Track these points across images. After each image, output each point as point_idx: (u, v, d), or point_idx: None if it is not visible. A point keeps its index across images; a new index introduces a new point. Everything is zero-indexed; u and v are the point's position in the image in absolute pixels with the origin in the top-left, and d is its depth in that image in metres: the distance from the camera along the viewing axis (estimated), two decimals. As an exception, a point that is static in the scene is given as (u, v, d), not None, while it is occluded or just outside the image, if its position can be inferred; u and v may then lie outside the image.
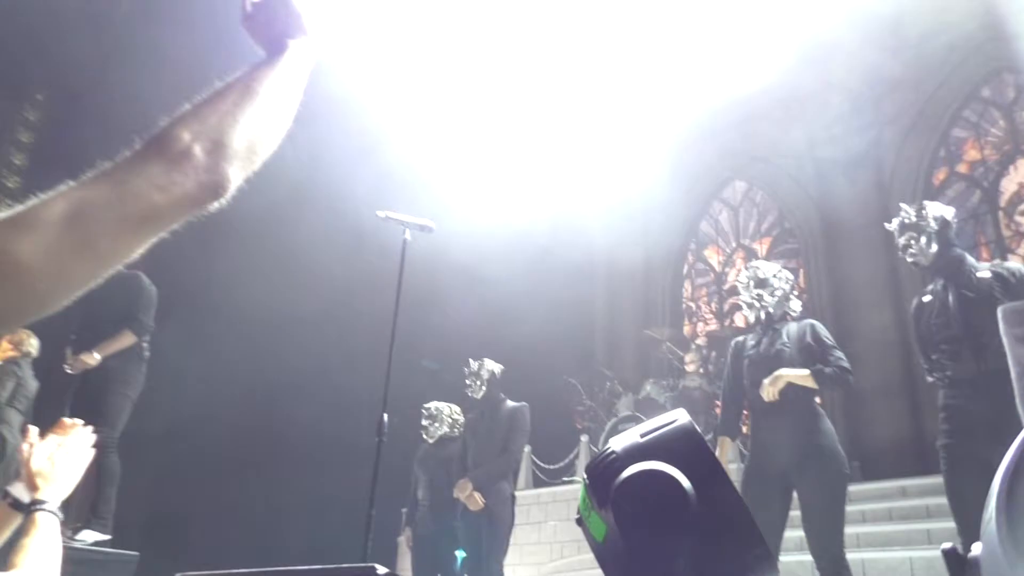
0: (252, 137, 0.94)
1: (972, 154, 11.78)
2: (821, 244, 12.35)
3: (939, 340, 3.51)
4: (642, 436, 1.10)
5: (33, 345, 5.61)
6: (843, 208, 12.05)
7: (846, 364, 3.68)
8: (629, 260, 14.69)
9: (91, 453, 1.68)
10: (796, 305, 4.01)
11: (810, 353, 3.71)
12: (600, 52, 12.06)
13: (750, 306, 4.00)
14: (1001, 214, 11.28)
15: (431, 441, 6.19)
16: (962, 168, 11.82)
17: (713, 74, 12.11)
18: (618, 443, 1.12)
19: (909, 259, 3.59)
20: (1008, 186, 11.33)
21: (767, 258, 13.15)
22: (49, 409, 5.22)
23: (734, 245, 14.29)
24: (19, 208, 0.76)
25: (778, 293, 3.92)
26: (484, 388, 5.44)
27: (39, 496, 1.53)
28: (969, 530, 3.32)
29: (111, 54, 11.71)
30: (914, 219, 3.58)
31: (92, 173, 0.83)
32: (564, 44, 11.64)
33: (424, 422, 6.23)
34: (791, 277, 4.06)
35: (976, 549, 0.73)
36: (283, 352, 10.65)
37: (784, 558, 4.67)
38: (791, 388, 3.64)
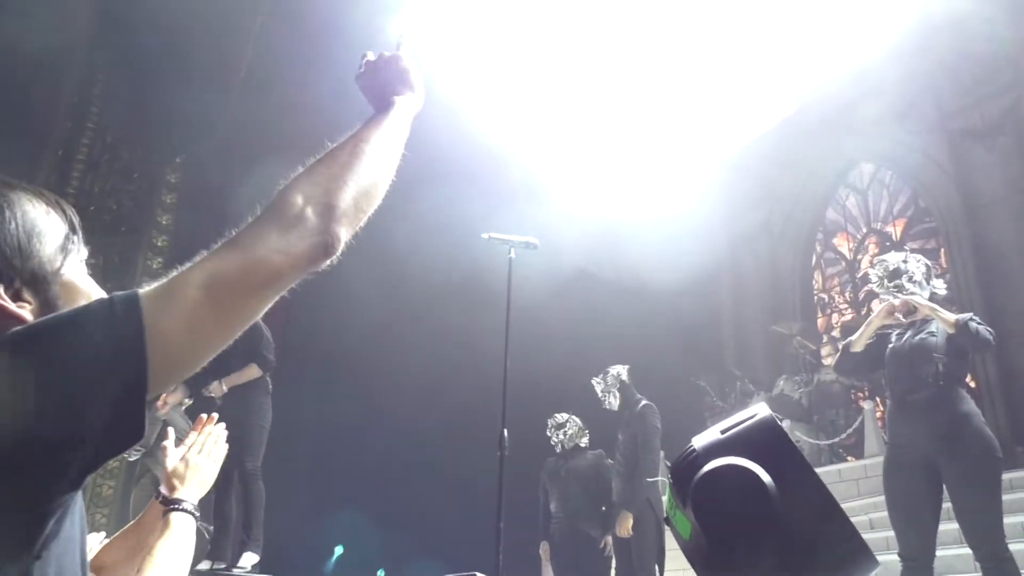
0: (360, 195, 1.02)
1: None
2: (962, 219, 11.53)
3: None
4: (722, 432, 1.09)
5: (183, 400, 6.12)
6: (982, 179, 11.24)
7: (992, 333, 3.45)
8: (753, 255, 14.26)
9: (223, 452, 1.79)
10: (940, 285, 3.78)
11: (956, 340, 3.49)
12: (711, 37, 11.77)
13: (898, 306, 3.81)
14: None
15: (557, 451, 6.23)
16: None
17: (828, 50, 11.62)
18: (699, 440, 1.12)
19: None
20: None
21: (902, 240, 12.43)
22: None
23: (865, 230, 13.58)
24: (162, 281, 0.87)
25: (916, 278, 3.71)
26: (617, 395, 5.45)
27: (176, 496, 1.65)
28: None
29: (238, 111, 12.53)
30: None
31: (221, 242, 0.92)
32: (667, 34, 11.46)
33: (550, 433, 6.27)
34: (922, 258, 3.84)
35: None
36: (399, 384, 10.99)
37: (941, 552, 4.39)
38: (932, 374, 3.45)
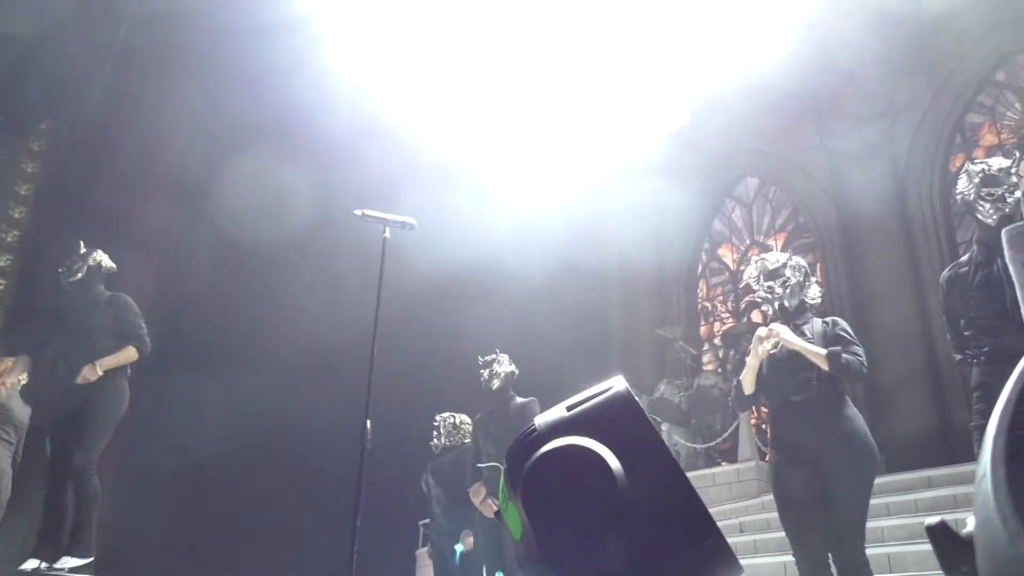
0: None
1: (989, 139, 11.48)
2: (838, 237, 12.08)
3: (978, 314, 3.31)
4: (568, 409, 0.91)
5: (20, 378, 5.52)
6: (858, 199, 11.78)
7: (863, 359, 3.48)
8: (642, 261, 14.48)
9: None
10: (814, 292, 3.78)
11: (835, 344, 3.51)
12: (605, 51, 11.91)
13: (765, 300, 3.80)
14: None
15: (436, 452, 6.09)
16: (979, 153, 11.50)
17: (720, 70, 11.94)
18: (542, 418, 0.93)
19: (990, 214, 3.34)
20: (1028, 170, 11.01)
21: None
22: (34, 432, 5.12)
23: (748, 242, 14.03)
24: None
25: (791, 283, 3.70)
26: (499, 383, 5.27)
27: None
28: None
29: (112, 85, 11.75)
30: (1002, 173, 3.40)
31: None
32: (565, 45, 11.52)
33: (434, 434, 6.14)
34: (803, 264, 3.84)
35: (970, 524, 0.55)
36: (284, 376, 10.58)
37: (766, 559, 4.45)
38: (815, 377, 3.45)
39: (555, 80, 12.08)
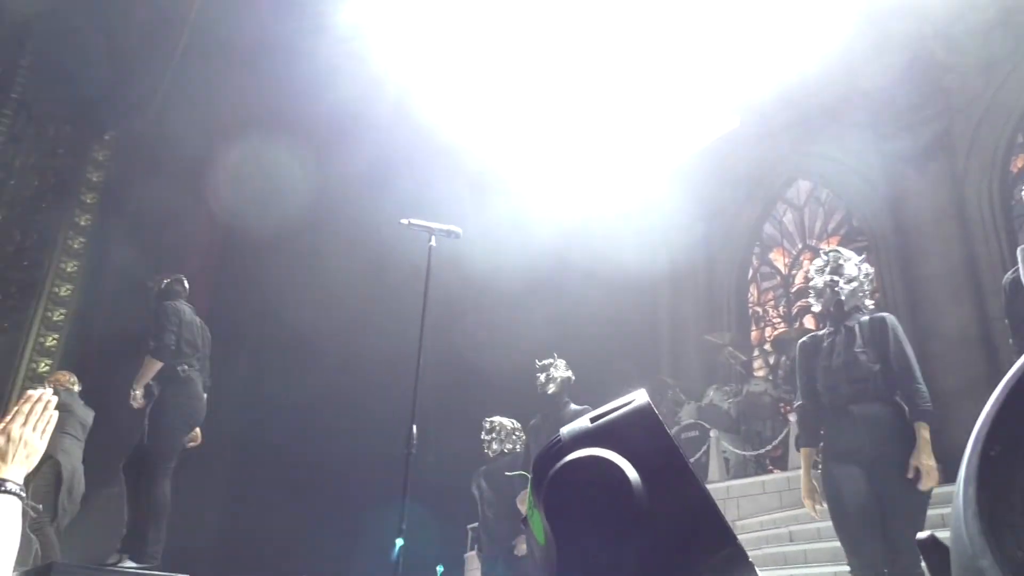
0: None
1: (1053, 136, 11.12)
2: (892, 240, 11.80)
3: None
4: (592, 420, 0.95)
5: (72, 380, 5.83)
6: (914, 201, 11.51)
7: (927, 398, 3.45)
8: (692, 267, 14.36)
9: (52, 423, 1.58)
10: (870, 303, 3.76)
11: (889, 365, 3.46)
12: (653, 54, 11.86)
13: (820, 293, 3.76)
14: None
15: (491, 456, 6.10)
16: (1043, 151, 11.17)
17: (770, 72, 11.79)
18: (567, 430, 0.98)
19: None
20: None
21: (835, 258, 12.64)
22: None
23: (800, 246, 13.81)
24: None
25: (854, 283, 3.67)
26: (554, 388, 5.25)
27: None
28: None
29: (170, 93, 12.13)
30: None
31: None
32: (612, 49, 11.50)
33: (484, 437, 6.14)
34: (871, 271, 3.80)
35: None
36: (316, 371, 10.76)
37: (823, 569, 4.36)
38: (871, 386, 3.42)
39: (602, 84, 12.07)
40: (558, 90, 11.92)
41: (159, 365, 4.58)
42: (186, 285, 5.08)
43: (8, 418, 1.52)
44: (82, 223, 12.60)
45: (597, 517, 0.80)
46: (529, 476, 0.96)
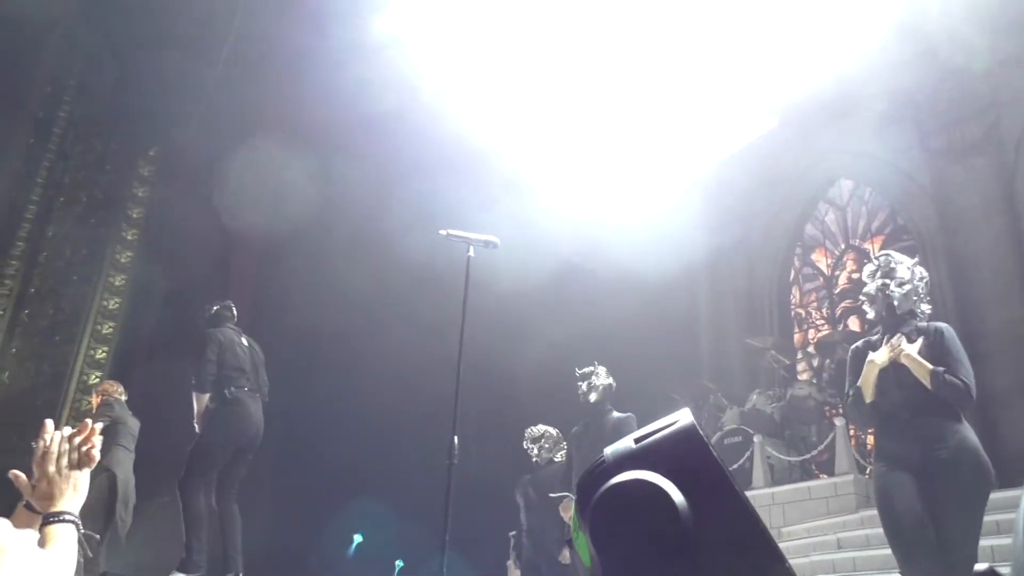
0: None
1: (1105, 128, 10.77)
2: (939, 239, 11.52)
3: None
4: (636, 441, 0.95)
5: (119, 390, 5.97)
6: (962, 199, 11.24)
7: (972, 383, 3.33)
8: (731, 269, 14.20)
9: (95, 453, 1.60)
10: (926, 308, 3.66)
11: (938, 362, 3.38)
12: (692, 54, 11.77)
13: (872, 299, 3.68)
14: None
15: (540, 464, 6.10)
16: (1095, 144, 10.82)
17: (809, 69, 11.62)
18: (612, 450, 0.97)
19: None
20: None
21: (880, 258, 12.41)
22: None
23: (843, 246, 13.57)
24: None
25: (907, 287, 3.59)
26: (596, 396, 5.22)
27: (56, 508, 1.48)
28: None
29: (211, 106, 12.39)
30: None
31: None
32: (649, 48, 11.45)
33: (528, 445, 6.15)
34: (926, 275, 3.71)
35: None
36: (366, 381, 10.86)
37: None
38: (924, 390, 3.33)
39: (637, 85, 12.01)
40: (592, 92, 11.90)
41: (206, 397, 4.83)
42: (234, 311, 5.34)
43: (42, 458, 1.54)
44: (129, 237, 12.91)
45: (643, 541, 0.79)
46: (573, 495, 0.96)
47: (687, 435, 0.93)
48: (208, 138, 12.48)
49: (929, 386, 3.27)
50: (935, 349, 3.44)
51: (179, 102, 12.61)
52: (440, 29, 11.02)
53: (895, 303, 3.57)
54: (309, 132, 11.57)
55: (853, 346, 3.78)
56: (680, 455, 0.90)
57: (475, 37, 11.06)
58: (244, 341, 5.18)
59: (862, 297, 3.79)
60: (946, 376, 3.25)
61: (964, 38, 10.87)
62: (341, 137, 11.36)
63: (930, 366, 3.27)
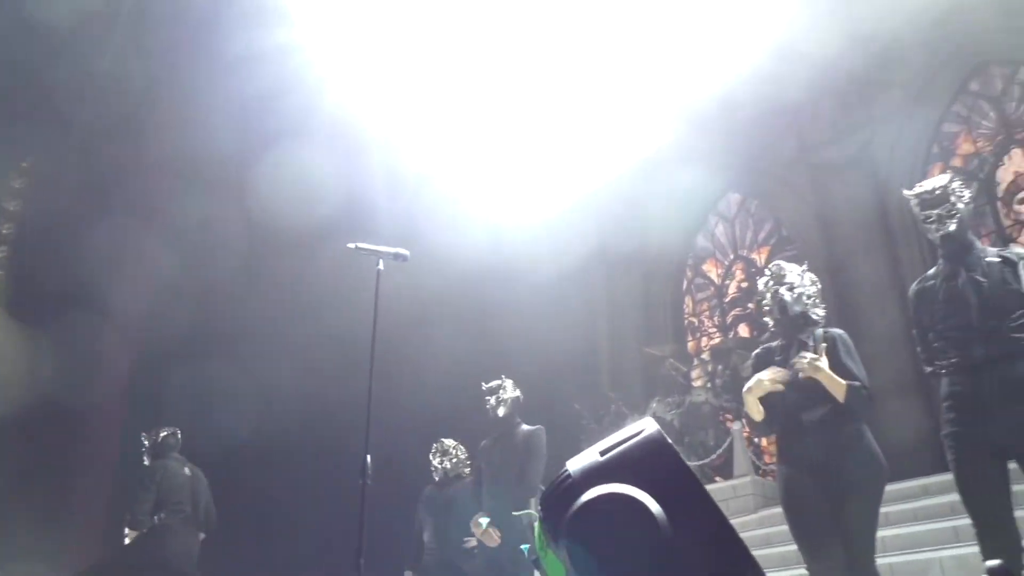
0: None
1: (966, 147, 11.65)
2: (821, 249, 12.14)
3: (946, 327, 3.38)
4: (602, 454, 0.91)
5: None
6: (840, 210, 11.91)
7: (868, 389, 3.49)
8: (628, 280, 14.53)
9: None
10: (820, 312, 3.80)
11: (839, 374, 3.51)
12: (584, 71, 12.01)
13: (769, 307, 3.81)
14: (1000, 204, 11.13)
15: (436, 479, 6.00)
16: (956, 162, 11.68)
17: (698, 86, 12.07)
18: (575, 463, 0.93)
19: (934, 232, 3.45)
20: (1004, 176, 11.19)
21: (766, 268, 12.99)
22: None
23: (732, 257, 14.14)
24: None
25: (798, 290, 3.72)
26: (505, 410, 5.15)
27: None
28: (981, 520, 3.20)
29: (94, 122, 11.71)
30: (938, 194, 3.46)
31: None
32: (540, 65, 11.61)
33: (438, 459, 6.03)
34: (816, 280, 3.86)
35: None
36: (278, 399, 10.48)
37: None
38: (823, 394, 3.44)
39: (533, 98, 12.16)
40: (491, 106, 11.96)
41: (135, 534, 5.14)
42: (179, 436, 5.61)
43: None
44: (11, 208, 12.09)
45: (626, 554, 0.76)
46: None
47: (656, 444, 0.90)
48: (94, 154, 11.79)
49: (841, 399, 3.37)
50: (832, 355, 3.58)
51: (46, 121, 11.83)
52: (356, 40, 10.83)
53: (787, 306, 3.70)
54: (200, 144, 11.09)
55: (756, 352, 3.90)
56: (651, 465, 0.87)
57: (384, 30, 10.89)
58: (187, 471, 5.43)
59: (762, 305, 3.91)
60: (861, 390, 3.39)
61: (840, 61, 11.55)
62: (238, 150, 10.94)
63: (844, 381, 3.37)
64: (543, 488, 9.77)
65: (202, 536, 5.78)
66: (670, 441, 0.89)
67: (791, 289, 3.74)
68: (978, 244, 3.48)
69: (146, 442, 5.67)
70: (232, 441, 9.41)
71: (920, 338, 3.58)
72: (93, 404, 10.58)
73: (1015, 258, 3.34)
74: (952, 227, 3.42)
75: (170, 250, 10.90)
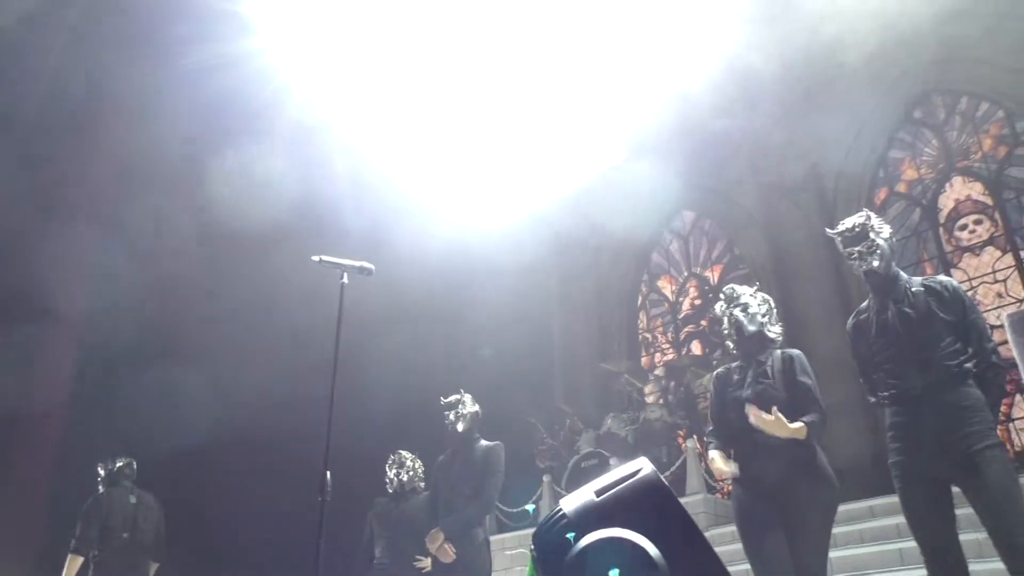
0: None
1: (910, 173, 12.04)
2: (771, 268, 12.43)
3: (882, 359, 3.48)
4: (597, 494, 0.92)
5: None
6: (789, 232, 12.19)
7: (820, 416, 3.56)
8: (582, 295, 14.64)
9: None
10: (777, 330, 3.88)
11: (796, 393, 3.58)
12: (538, 89, 12.08)
13: (727, 328, 3.88)
14: (941, 230, 11.51)
15: (390, 491, 5.91)
16: (901, 187, 12.06)
17: (655, 108, 12.23)
18: (569, 503, 0.93)
19: (858, 268, 3.54)
20: (946, 203, 11.58)
21: (720, 285, 13.21)
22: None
23: (686, 274, 14.34)
24: None
25: (752, 309, 3.80)
26: (464, 425, 5.11)
27: None
28: (928, 545, 3.27)
29: (38, 121, 11.35)
30: (858, 232, 3.55)
31: None
32: (493, 83, 11.64)
33: (395, 471, 5.94)
34: (769, 299, 3.94)
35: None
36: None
37: None
38: (775, 415, 3.50)
39: (488, 113, 12.17)
40: (451, 118, 11.94)
41: (78, 562, 5.18)
42: (134, 467, 5.75)
43: None
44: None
45: (628, 603, 0.76)
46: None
47: (652, 486, 0.91)
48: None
49: (803, 438, 3.44)
50: (787, 375, 3.66)
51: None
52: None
53: (743, 326, 3.77)
54: (152, 146, 10.84)
55: (715, 372, 3.96)
56: (648, 508, 0.88)
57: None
58: (132, 499, 5.52)
59: (722, 331, 3.98)
60: (818, 423, 3.47)
61: (787, 88, 11.87)
62: (194, 151, 10.73)
63: (799, 425, 3.43)
64: (500, 506, 9.75)
65: (156, 566, 5.77)
66: (666, 482, 0.90)
67: (745, 310, 3.81)
68: (903, 276, 3.56)
69: (102, 471, 5.73)
70: (184, 442, 9.21)
71: (861, 370, 3.68)
72: (32, 411, 10.23)
73: (938, 287, 3.44)
74: (875, 263, 3.50)
75: (120, 252, 10.61)
